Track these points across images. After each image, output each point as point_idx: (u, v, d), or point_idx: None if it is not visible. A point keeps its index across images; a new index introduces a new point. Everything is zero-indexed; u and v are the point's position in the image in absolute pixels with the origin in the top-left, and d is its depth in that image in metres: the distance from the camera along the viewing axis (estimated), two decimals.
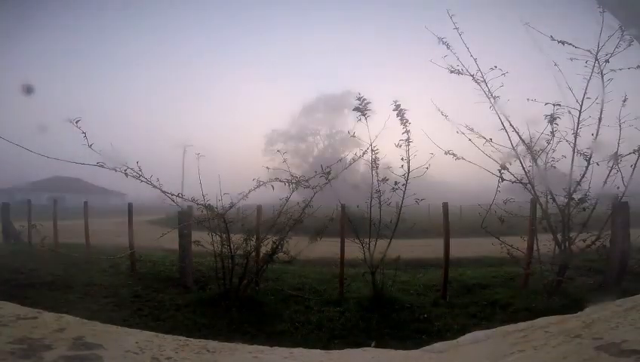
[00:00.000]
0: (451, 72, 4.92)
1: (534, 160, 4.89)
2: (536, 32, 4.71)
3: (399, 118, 4.88)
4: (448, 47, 4.86)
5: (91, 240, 7.93)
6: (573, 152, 4.81)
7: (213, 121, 71.24)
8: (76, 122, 3.65)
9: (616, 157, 4.64)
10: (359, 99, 4.91)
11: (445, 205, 5.63)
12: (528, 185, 4.94)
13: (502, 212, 4.82)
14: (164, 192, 4.30)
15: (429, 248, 7.88)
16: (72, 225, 9.83)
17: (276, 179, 4.60)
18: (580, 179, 4.82)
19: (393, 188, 4.89)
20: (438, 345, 1.08)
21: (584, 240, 4.66)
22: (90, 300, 4.64)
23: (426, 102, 5.62)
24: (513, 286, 5.30)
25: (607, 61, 4.58)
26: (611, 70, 4.57)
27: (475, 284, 5.53)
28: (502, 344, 1.00)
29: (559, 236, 4.85)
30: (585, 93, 4.73)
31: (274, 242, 4.82)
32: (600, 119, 4.70)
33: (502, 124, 4.89)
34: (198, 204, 4.55)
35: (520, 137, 4.90)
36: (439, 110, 5.21)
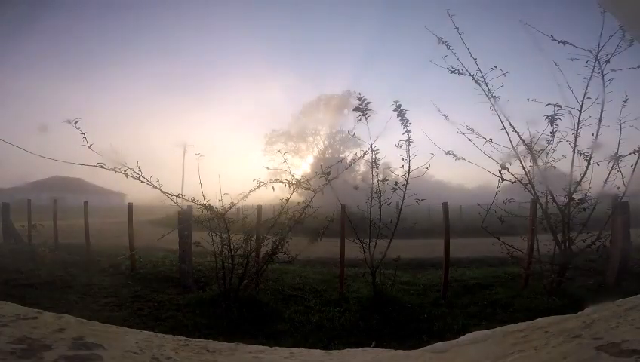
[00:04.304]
0: (451, 72, 4.93)
1: (534, 160, 4.89)
2: (537, 31, 4.72)
3: (400, 118, 4.89)
4: (448, 47, 4.87)
5: (91, 241, 7.93)
6: (574, 152, 4.82)
7: (213, 121, 71.26)
8: (75, 123, 3.64)
9: (616, 157, 4.64)
10: (359, 99, 4.91)
11: (445, 205, 5.63)
12: (528, 186, 4.95)
13: (502, 212, 4.82)
14: (164, 192, 4.29)
15: (429, 248, 7.89)
16: (72, 225, 9.85)
17: (276, 179, 4.59)
18: (580, 179, 4.82)
19: (393, 188, 4.89)
20: (438, 345, 1.08)
21: (584, 240, 4.66)
22: (90, 300, 4.64)
23: (426, 102, 5.64)
24: (513, 286, 5.30)
25: (607, 61, 4.59)
26: (612, 70, 4.59)
27: (475, 284, 5.54)
28: (502, 344, 0.99)
29: (559, 236, 4.85)
30: (585, 93, 4.75)
31: (274, 242, 4.82)
32: (600, 119, 4.71)
33: (502, 124, 4.91)
34: (198, 204, 4.55)
35: (520, 137, 4.91)
36: (439, 110, 5.23)
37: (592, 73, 4.64)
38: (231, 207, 4.68)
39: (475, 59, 4.83)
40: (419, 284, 5.79)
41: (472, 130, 4.98)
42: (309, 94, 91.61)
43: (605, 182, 4.72)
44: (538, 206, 5.03)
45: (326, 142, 40.31)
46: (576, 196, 4.80)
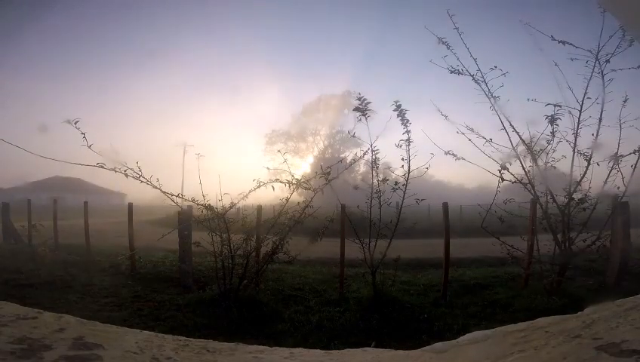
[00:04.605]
0: (451, 72, 4.93)
1: (534, 160, 4.89)
2: (537, 32, 4.72)
3: (400, 118, 4.89)
4: (448, 47, 4.86)
5: (91, 241, 7.93)
6: (574, 152, 4.82)
7: (213, 120, 71.34)
8: (75, 123, 3.64)
9: (616, 157, 4.64)
10: (359, 99, 4.91)
11: (445, 205, 5.63)
12: (528, 186, 4.94)
13: (502, 212, 4.82)
14: (164, 192, 4.29)
15: (429, 248, 7.89)
16: (72, 225, 9.85)
17: (276, 179, 4.59)
18: (580, 179, 4.82)
19: (393, 188, 4.89)
20: (438, 345, 1.08)
21: (584, 240, 4.66)
22: (90, 300, 4.64)
23: (426, 102, 5.65)
24: (513, 286, 5.30)
25: (607, 61, 4.58)
26: (612, 70, 4.59)
27: (475, 284, 5.54)
28: (502, 344, 0.99)
29: (559, 236, 4.85)
30: (585, 93, 4.74)
31: (274, 242, 4.82)
32: (600, 119, 4.71)
33: (502, 124, 4.90)
34: (198, 204, 4.55)
35: (520, 137, 4.91)
36: (439, 110, 5.23)
37: (592, 73, 4.65)
38: (231, 207, 4.68)
39: (475, 59, 4.83)
40: (419, 284, 5.79)
41: (472, 130, 4.98)
42: (309, 94, 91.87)
43: (605, 182, 4.72)
44: (538, 206, 5.03)
45: (326, 142, 40.39)
46: (576, 196, 4.80)
